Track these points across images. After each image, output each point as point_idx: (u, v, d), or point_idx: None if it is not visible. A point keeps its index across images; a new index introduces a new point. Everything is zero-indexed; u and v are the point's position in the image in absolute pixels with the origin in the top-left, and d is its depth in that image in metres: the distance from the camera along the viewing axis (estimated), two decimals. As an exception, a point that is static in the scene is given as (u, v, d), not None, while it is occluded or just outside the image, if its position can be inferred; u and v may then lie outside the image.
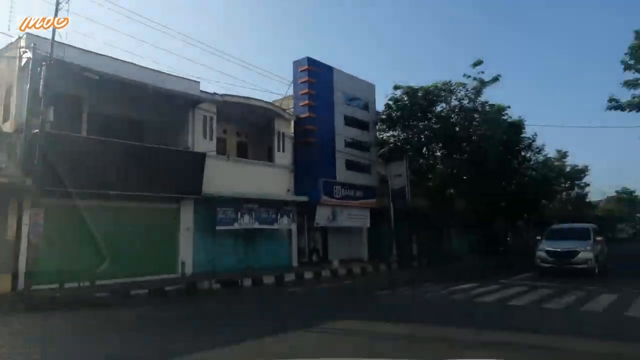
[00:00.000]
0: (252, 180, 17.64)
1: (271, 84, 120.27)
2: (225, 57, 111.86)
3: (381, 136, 24.39)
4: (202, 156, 15.33)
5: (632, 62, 19.09)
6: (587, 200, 57.64)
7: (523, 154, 30.58)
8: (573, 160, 62.45)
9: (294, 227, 19.20)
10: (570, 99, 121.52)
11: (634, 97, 18.41)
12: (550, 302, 9.52)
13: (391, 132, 24.90)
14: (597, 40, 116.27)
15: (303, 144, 20.02)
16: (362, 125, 23.60)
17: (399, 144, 23.11)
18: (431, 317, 8.41)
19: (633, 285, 11.73)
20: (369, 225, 22.77)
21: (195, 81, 16.29)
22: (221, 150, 17.57)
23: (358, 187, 22.14)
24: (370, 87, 24.56)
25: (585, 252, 14.03)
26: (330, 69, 21.82)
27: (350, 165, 22.40)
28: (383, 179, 25.20)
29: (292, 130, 20.19)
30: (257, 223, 17.38)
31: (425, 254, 24.30)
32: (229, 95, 16.99)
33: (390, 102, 23.90)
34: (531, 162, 35.24)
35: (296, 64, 20.83)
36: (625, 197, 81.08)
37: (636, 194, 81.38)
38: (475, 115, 23.57)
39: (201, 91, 16.28)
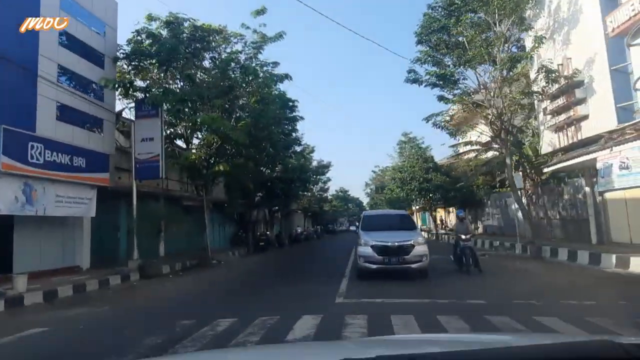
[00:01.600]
0: None
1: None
2: None
3: (123, 80, 16.12)
4: None
5: (423, 35, 17.43)
6: (326, 195, 61.41)
7: (293, 136, 27.19)
8: (318, 156, 66.55)
9: None
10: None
11: (427, 72, 16.69)
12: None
13: (141, 81, 17.08)
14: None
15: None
16: (93, 57, 15.00)
17: (148, 93, 15.38)
18: None
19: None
20: (94, 213, 14.43)
21: None
22: None
23: (79, 151, 13.60)
24: (111, 6, 16.13)
25: (421, 246, 10.47)
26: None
27: (68, 116, 13.67)
28: (123, 149, 17.13)
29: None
30: None
31: (179, 256, 17.61)
32: None
33: (143, 36, 16.07)
34: (290, 150, 32.55)
35: None
36: (341, 195, 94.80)
37: (349, 192, 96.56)
38: (256, 76, 18.13)
39: None
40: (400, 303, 7.32)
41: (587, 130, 13.89)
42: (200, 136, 17.84)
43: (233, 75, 17.51)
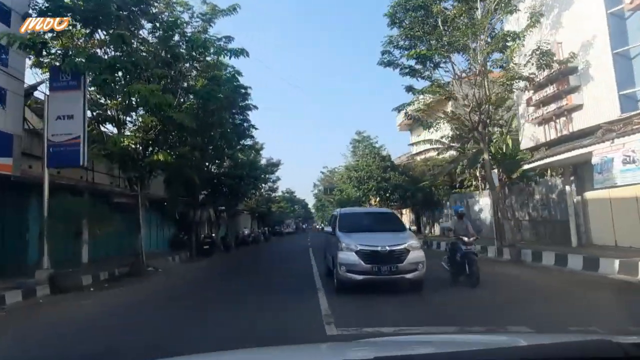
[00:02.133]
0: None
1: None
2: None
3: (34, 40, 12.65)
4: None
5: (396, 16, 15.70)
6: (275, 195, 58.75)
7: (245, 126, 24.50)
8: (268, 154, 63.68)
9: None
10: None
11: (406, 54, 14.89)
12: None
13: (60, 50, 13.77)
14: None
15: None
16: (-4, 10, 11.69)
17: (68, 57, 12.13)
18: None
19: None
20: (-9, 209, 11.20)
21: None
22: None
23: (-32, 127, 10.38)
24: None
25: (416, 251, 8.46)
26: None
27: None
28: (35, 132, 13.80)
29: None
30: None
31: (107, 262, 14.58)
32: None
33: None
34: (241, 142, 29.55)
35: None
36: (288, 197, 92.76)
37: (295, 194, 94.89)
38: (205, 49, 15.38)
39: None
40: (420, 334, 5.21)
41: (581, 121, 12.64)
42: (135, 118, 14.86)
43: (177, 51, 14.72)
